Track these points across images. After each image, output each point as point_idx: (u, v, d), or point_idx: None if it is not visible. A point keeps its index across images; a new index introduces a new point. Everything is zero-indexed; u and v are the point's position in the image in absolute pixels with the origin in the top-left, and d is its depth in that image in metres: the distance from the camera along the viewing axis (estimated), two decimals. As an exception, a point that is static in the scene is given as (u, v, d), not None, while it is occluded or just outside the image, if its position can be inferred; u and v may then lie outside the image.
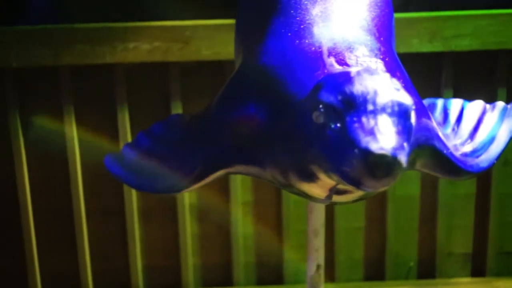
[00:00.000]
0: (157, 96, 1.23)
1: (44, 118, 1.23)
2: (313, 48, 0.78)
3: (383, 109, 0.63)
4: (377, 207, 1.29)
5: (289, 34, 0.81)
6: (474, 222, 1.31)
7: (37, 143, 1.24)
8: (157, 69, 1.20)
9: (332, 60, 0.76)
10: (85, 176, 1.25)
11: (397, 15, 1.17)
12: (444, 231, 1.30)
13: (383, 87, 0.64)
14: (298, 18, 0.81)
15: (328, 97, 0.64)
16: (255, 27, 0.86)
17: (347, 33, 0.79)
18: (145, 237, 1.29)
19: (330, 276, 1.31)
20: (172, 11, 1.20)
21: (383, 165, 0.60)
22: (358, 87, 0.64)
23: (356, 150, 0.60)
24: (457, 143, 0.90)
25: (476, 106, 0.90)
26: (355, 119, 0.62)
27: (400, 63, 0.83)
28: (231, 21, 0.85)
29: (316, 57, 0.77)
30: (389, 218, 1.28)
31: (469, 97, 0.87)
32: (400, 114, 0.64)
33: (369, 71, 0.66)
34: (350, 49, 0.77)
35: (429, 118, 0.83)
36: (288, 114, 0.72)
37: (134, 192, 1.26)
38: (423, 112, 0.82)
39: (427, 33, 1.17)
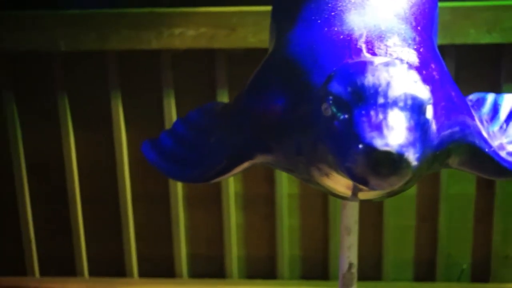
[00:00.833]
0: (204, 83, 1.21)
1: (91, 102, 1.23)
2: (342, 37, 0.74)
3: (394, 103, 0.59)
4: (429, 205, 1.23)
5: (319, 21, 0.77)
6: (534, 225, 1.24)
7: (85, 127, 1.24)
8: (203, 56, 1.18)
9: (360, 49, 0.72)
10: (131, 161, 1.25)
11: (453, 4, 1.11)
12: (501, 232, 1.23)
13: (397, 79, 0.60)
14: (330, 5, 0.77)
15: (337, 88, 0.60)
16: (287, 13, 0.83)
17: (380, 20, 0.75)
18: (190, 225, 1.28)
19: (377, 275, 1.27)
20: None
21: (387, 163, 0.55)
22: (369, 79, 0.60)
23: (360, 146, 0.56)
24: (504, 141, 0.84)
25: None
26: (363, 112, 0.58)
27: (439, 54, 0.78)
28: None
29: (343, 45, 0.73)
30: (442, 217, 1.22)
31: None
32: (414, 108, 0.59)
33: (385, 61, 0.62)
34: (381, 38, 0.73)
35: (468, 113, 0.78)
36: (306, 105, 0.69)
37: (179, 179, 1.25)
38: (461, 107, 0.77)
39: (485, 24, 1.10)
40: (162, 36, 1.16)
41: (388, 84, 0.59)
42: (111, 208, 1.28)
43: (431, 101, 0.61)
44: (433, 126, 0.68)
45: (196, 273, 1.30)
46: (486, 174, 0.82)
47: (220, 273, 1.29)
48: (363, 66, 0.61)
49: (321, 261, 1.28)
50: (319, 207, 1.25)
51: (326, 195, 1.24)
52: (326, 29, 0.76)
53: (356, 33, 0.73)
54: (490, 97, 0.88)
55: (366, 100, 0.59)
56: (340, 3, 0.77)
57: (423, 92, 0.60)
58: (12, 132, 1.24)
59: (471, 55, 1.15)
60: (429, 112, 0.60)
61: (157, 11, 1.15)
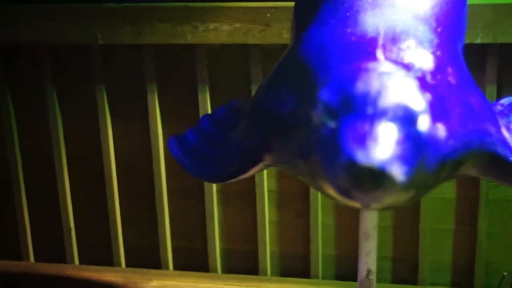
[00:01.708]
0: (239, 78, 1.20)
1: (129, 95, 1.24)
2: (354, 38, 0.71)
3: (383, 113, 0.56)
4: (468, 210, 1.18)
5: (333, 21, 0.75)
6: None
7: (122, 119, 1.26)
8: (238, 51, 1.17)
9: (370, 52, 0.70)
10: (167, 154, 1.25)
11: (496, 1, 1.06)
12: (544, 240, 1.17)
13: (389, 88, 0.57)
14: (346, 5, 0.75)
15: (326, 96, 0.58)
16: (306, 11, 0.81)
17: (396, 22, 0.72)
18: (224, 220, 1.28)
19: (413, 279, 1.23)
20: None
21: (369, 178, 0.53)
22: (360, 87, 0.57)
23: (342, 158, 0.54)
24: None
25: None
26: (350, 122, 0.56)
27: (460, 57, 0.75)
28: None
29: (353, 48, 0.71)
30: (481, 222, 1.18)
31: None
32: (404, 119, 0.56)
33: (380, 69, 0.59)
34: (395, 40, 0.70)
35: (491, 120, 0.74)
36: (309, 108, 0.67)
37: (214, 174, 1.25)
38: (482, 114, 0.73)
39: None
40: (197, 31, 1.15)
41: (379, 94, 0.57)
42: (147, 200, 1.29)
43: (427, 111, 0.58)
44: (441, 135, 0.65)
45: (229, 269, 1.30)
46: (510, 183, 0.78)
47: (253, 269, 1.28)
48: (355, 74, 0.59)
49: (355, 261, 1.25)
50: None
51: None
52: (339, 30, 0.73)
53: (369, 35, 0.71)
54: None
55: (354, 109, 0.57)
56: (357, 3, 0.74)
57: (417, 102, 0.57)
58: (53, 123, 1.27)
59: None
60: (423, 123, 0.57)
61: (192, 6, 1.15)
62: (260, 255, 1.27)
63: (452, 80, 0.70)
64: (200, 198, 1.26)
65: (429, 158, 0.61)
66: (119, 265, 1.32)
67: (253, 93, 1.19)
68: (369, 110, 0.56)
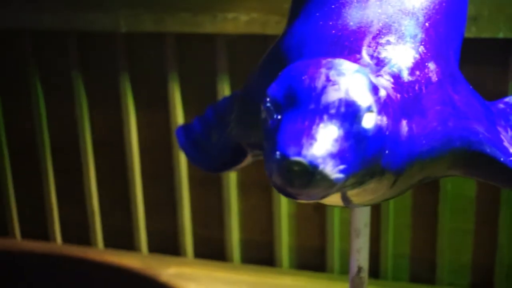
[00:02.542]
0: (258, 69, 1.19)
1: (151, 83, 1.26)
2: (333, 31, 0.71)
3: (325, 109, 0.55)
4: (488, 209, 1.15)
5: (318, 14, 0.74)
6: None
7: (145, 107, 1.27)
8: (256, 41, 1.17)
9: (347, 46, 0.69)
10: (187, 143, 1.26)
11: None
12: None
13: (335, 83, 0.56)
14: None
15: (273, 90, 0.57)
16: (296, 5, 0.80)
17: (380, 16, 0.70)
18: (243, 210, 1.28)
19: (431, 279, 1.20)
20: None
21: (299, 174, 0.52)
22: (306, 82, 0.56)
23: (275, 153, 0.53)
24: None
25: None
26: (291, 117, 0.55)
27: (449, 54, 0.72)
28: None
29: (331, 42, 0.70)
30: (501, 222, 1.14)
31: None
32: (347, 116, 0.55)
33: (330, 64, 0.58)
34: (375, 34, 0.69)
35: (479, 119, 0.72)
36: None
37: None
38: (468, 112, 0.71)
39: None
40: (216, 20, 1.15)
41: (323, 89, 0.56)
42: (168, 187, 1.30)
43: (374, 109, 0.56)
44: (408, 132, 0.63)
45: (248, 259, 1.30)
46: (504, 185, 0.76)
47: (270, 261, 1.28)
48: (304, 68, 0.58)
49: (372, 257, 1.23)
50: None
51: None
52: (321, 22, 0.72)
53: (349, 29, 0.70)
54: None
55: (297, 105, 0.56)
56: None
57: (363, 99, 0.55)
58: (79, 110, 1.29)
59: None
60: (369, 121, 0.56)
61: (211, -5, 1.15)
62: (276, 247, 1.27)
63: (433, 77, 0.68)
64: (219, 186, 1.27)
65: (387, 157, 0.60)
66: (140, 250, 1.34)
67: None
68: (311, 105, 0.55)
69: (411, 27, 0.69)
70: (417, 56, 0.68)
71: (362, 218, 0.83)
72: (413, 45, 0.68)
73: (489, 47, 1.07)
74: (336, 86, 0.56)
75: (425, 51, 0.68)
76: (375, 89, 0.58)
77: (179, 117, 1.25)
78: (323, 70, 0.57)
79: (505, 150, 0.72)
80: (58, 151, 1.35)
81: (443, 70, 0.69)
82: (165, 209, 1.32)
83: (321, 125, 0.54)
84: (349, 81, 0.56)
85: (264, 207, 1.26)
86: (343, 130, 0.54)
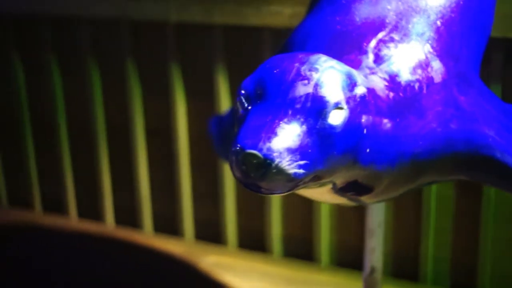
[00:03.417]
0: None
1: (200, 73, 1.27)
2: (339, 27, 0.70)
3: (291, 104, 0.54)
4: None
5: (328, 8, 0.74)
6: None
7: (194, 97, 1.29)
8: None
9: (349, 42, 0.68)
10: (233, 134, 1.27)
11: None
12: None
13: (304, 78, 0.55)
14: None
15: (247, 83, 0.57)
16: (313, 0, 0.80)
17: (388, 12, 0.69)
18: (286, 204, 1.28)
19: (471, 285, 1.16)
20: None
21: (255, 167, 0.52)
22: (277, 75, 0.56)
23: (234, 146, 0.53)
24: None
25: None
26: (257, 110, 0.55)
27: (458, 53, 0.70)
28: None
29: (334, 37, 0.69)
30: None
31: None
32: (312, 112, 0.54)
33: (304, 58, 0.57)
34: (379, 31, 0.68)
35: (488, 123, 0.69)
36: None
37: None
38: (476, 114, 0.69)
39: None
40: (261, 13, 1.16)
41: (292, 83, 0.55)
42: (215, 176, 1.32)
43: (344, 106, 0.55)
44: (400, 132, 0.62)
45: (288, 253, 1.30)
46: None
47: (310, 256, 1.28)
48: (278, 62, 0.57)
49: (412, 259, 1.20)
50: (412, 203, 1.17)
51: (421, 190, 1.15)
52: (329, 17, 0.72)
53: (354, 25, 0.69)
54: None
55: (265, 98, 0.56)
56: None
57: (331, 95, 0.54)
58: (132, 97, 1.33)
59: None
60: (336, 118, 0.55)
61: (257, -13, 1.15)
62: (315, 243, 1.26)
63: (437, 77, 0.66)
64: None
65: (368, 155, 0.59)
66: (184, 236, 1.36)
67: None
68: (278, 99, 0.55)
69: (419, 24, 0.67)
70: (421, 54, 0.66)
71: (376, 218, 0.82)
72: (418, 43, 0.66)
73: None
74: (305, 81, 0.55)
75: (431, 50, 0.66)
76: (351, 86, 0.57)
77: (226, 108, 1.26)
78: (296, 65, 0.56)
79: (517, 156, 0.69)
80: (112, 136, 1.39)
81: (450, 70, 0.67)
82: (211, 198, 1.33)
83: (284, 119, 0.54)
84: (320, 77, 0.55)
85: (307, 202, 1.25)
86: (307, 125, 0.54)
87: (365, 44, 0.66)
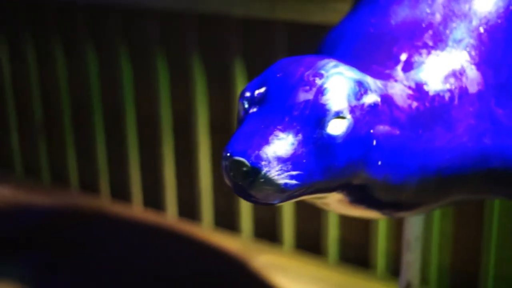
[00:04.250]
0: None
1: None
2: (372, 30, 0.67)
3: (288, 110, 0.51)
4: None
5: (364, 9, 0.71)
6: None
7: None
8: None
9: (379, 47, 0.65)
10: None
11: None
12: None
13: (308, 84, 0.52)
14: None
15: (250, 85, 0.55)
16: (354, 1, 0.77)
17: (427, 16, 0.66)
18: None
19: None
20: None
21: (242, 175, 0.49)
22: (279, 80, 0.53)
23: (225, 151, 0.51)
24: None
25: None
26: (254, 115, 0.53)
27: (501, 61, 0.65)
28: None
29: (365, 40, 0.66)
30: None
31: None
32: (309, 120, 0.51)
33: (315, 62, 0.54)
34: (414, 36, 0.65)
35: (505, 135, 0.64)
36: None
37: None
38: (490, 127, 0.64)
39: None
40: (325, 10, 1.13)
41: (293, 89, 0.52)
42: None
43: (348, 115, 0.51)
44: (425, 145, 0.58)
45: (343, 257, 1.26)
46: None
47: (365, 262, 1.24)
48: (285, 65, 0.55)
49: (472, 273, 1.14)
50: (473, 214, 1.11)
51: (482, 201, 1.09)
52: (364, 19, 0.69)
53: (388, 29, 0.66)
54: None
55: (265, 102, 0.53)
56: None
57: (332, 103, 0.51)
58: (195, 93, 1.33)
59: None
60: (336, 127, 0.51)
61: (321, -16, 1.12)
62: (371, 250, 1.22)
63: (472, 87, 0.61)
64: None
65: (381, 168, 0.55)
66: (241, 232, 1.35)
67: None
68: (277, 104, 0.52)
69: (458, 30, 0.63)
70: (456, 62, 0.61)
71: (413, 231, 0.78)
72: (454, 50, 0.62)
73: None
74: (307, 87, 0.52)
75: (468, 58, 0.62)
76: (359, 94, 0.53)
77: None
78: (301, 69, 0.54)
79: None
80: (177, 129, 1.39)
81: (488, 80, 0.62)
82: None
83: (279, 126, 0.51)
84: (323, 83, 0.52)
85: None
86: (303, 134, 0.51)
87: (395, 49, 0.62)
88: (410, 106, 0.58)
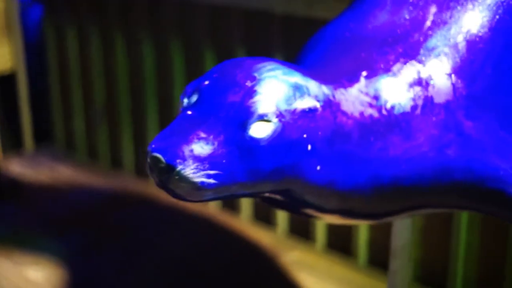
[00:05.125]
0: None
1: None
2: (347, 33, 0.68)
3: (215, 111, 0.52)
4: None
5: (347, 14, 0.71)
6: None
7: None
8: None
9: (348, 52, 0.65)
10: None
11: None
12: None
13: (237, 86, 0.53)
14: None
15: (190, 84, 0.56)
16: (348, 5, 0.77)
17: (405, 21, 0.65)
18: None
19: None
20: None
21: (160, 171, 0.51)
22: (213, 81, 0.54)
23: (148, 148, 0.53)
24: None
25: None
26: (185, 114, 0.54)
27: (488, 74, 0.63)
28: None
29: (338, 44, 0.67)
30: None
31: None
32: (232, 122, 0.52)
33: (252, 64, 0.55)
34: (384, 42, 0.65)
35: (503, 155, 0.63)
36: None
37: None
38: (487, 144, 0.63)
39: None
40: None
41: (223, 90, 0.53)
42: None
43: (274, 119, 0.52)
44: (381, 153, 0.58)
45: (373, 261, 1.25)
46: None
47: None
48: (223, 66, 0.56)
49: (497, 284, 1.10)
50: (500, 225, 1.07)
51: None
52: (343, 22, 0.69)
53: (363, 33, 0.66)
54: None
55: (197, 102, 0.54)
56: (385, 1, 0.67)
57: (258, 106, 0.52)
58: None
59: None
60: (259, 130, 0.52)
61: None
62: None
63: (439, 97, 0.60)
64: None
65: (321, 174, 0.55)
66: (277, 226, 1.36)
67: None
68: (205, 105, 0.53)
69: (433, 38, 0.61)
70: (423, 71, 0.60)
71: (399, 238, 0.77)
72: (423, 58, 0.60)
73: None
74: (236, 89, 0.53)
75: (438, 67, 0.60)
76: (293, 99, 0.54)
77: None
78: (237, 71, 0.54)
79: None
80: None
81: (459, 91, 0.61)
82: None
83: (203, 126, 0.52)
84: (253, 86, 0.53)
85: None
86: (225, 135, 0.52)
87: (363, 54, 0.62)
88: (362, 113, 0.57)
